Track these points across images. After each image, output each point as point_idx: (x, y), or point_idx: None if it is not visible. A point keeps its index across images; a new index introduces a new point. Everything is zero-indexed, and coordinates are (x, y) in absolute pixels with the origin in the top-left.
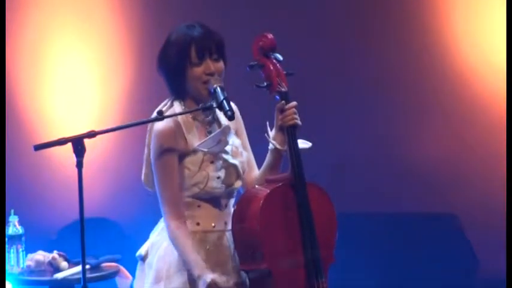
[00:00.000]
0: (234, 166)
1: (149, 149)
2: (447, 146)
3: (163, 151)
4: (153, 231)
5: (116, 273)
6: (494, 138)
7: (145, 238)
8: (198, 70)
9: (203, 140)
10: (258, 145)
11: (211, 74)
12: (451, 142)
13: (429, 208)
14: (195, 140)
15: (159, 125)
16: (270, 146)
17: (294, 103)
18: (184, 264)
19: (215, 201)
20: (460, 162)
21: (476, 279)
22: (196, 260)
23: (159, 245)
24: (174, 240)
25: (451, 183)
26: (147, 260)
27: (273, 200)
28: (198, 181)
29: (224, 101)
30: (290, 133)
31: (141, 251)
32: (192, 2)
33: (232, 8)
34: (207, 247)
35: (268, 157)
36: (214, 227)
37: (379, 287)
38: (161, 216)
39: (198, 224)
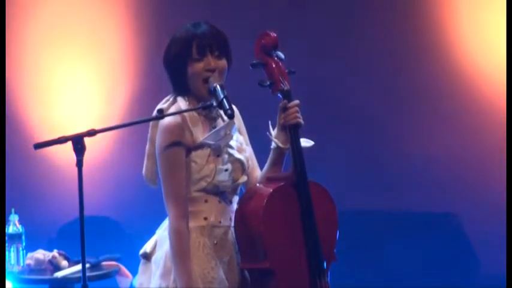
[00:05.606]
0: (240, 161)
1: (152, 144)
2: (447, 145)
3: (171, 145)
4: (159, 227)
5: (116, 272)
6: (494, 138)
7: (145, 237)
8: (199, 66)
9: (209, 134)
10: (259, 144)
11: (212, 71)
12: (451, 142)
13: (429, 208)
14: (201, 134)
15: (165, 120)
16: (273, 145)
17: (297, 102)
18: (174, 267)
19: (222, 196)
20: (460, 162)
21: (476, 279)
22: (190, 272)
23: (166, 241)
24: (173, 240)
25: (451, 183)
26: (154, 257)
27: (276, 199)
28: (206, 174)
29: (224, 100)
30: (292, 132)
31: (146, 248)
32: (194, 1)
33: (235, 7)
34: (215, 242)
35: (270, 156)
36: (220, 222)
37: (379, 286)
38: (164, 214)
39: (205, 218)
